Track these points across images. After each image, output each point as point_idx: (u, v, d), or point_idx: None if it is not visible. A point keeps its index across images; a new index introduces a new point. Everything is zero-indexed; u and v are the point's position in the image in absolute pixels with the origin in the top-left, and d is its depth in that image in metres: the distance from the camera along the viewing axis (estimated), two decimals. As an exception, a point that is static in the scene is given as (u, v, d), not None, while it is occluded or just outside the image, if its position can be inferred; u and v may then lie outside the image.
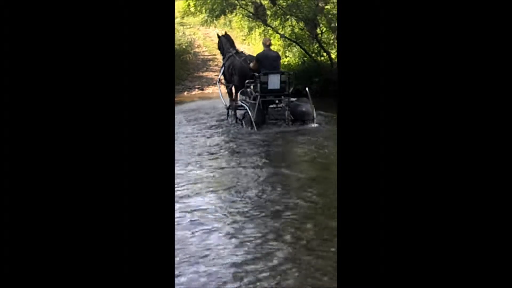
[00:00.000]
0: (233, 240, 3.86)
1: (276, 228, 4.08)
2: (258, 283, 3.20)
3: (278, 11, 11.89)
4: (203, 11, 13.05)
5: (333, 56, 11.65)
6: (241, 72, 8.69)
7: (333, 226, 3.96)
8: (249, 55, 9.14)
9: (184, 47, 15.31)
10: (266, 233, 3.97)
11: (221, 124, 8.61)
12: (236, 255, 3.59)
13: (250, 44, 14.46)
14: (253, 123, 7.79)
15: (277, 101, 8.17)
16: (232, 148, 7.05)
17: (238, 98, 8.74)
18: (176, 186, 4.66)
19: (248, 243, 3.77)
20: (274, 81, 8.02)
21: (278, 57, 8.59)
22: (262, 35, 12.54)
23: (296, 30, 12.32)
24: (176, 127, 5.59)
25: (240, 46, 10.89)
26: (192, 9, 17.94)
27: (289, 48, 13.07)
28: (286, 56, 13.14)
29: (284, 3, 11.74)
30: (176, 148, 5.57)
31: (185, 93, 13.09)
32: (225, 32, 10.25)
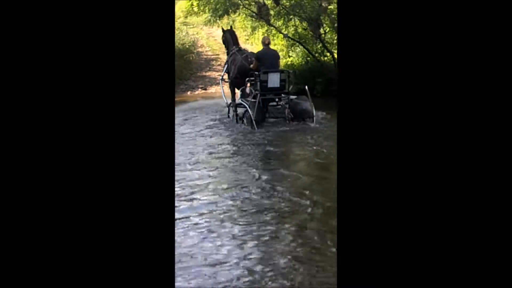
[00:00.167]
0: (231, 240, 3.85)
1: (276, 228, 4.07)
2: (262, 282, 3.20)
3: (282, 11, 11.87)
4: (206, 10, 13.06)
5: (336, 56, 11.62)
6: (240, 69, 8.82)
7: (333, 225, 3.98)
8: (251, 52, 9.21)
9: (187, 46, 15.31)
10: (266, 233, 3.97)
11: (222, 123, 8.65)
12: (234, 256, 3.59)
13: (253, 44, 14.44)
14: (253, 122, 7.82)
15: (277, 99, 8.21)
16: (232, 147, 7.06)
17: (239, 96, 8.78)
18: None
19: (247, 244, 3.77)
20: (274, 80, 8.12)
21: (277, 56, 8.69)
22: (265, 35, 12.53)
23: (300, 30, 12.31)
24: (176, 126, 5.59)
25: (243, 46, 10.87)
26: (196, 9, 17.97)
27: (292, 48, 13.06)
28: (289, 56, 13.13)
29: (288, 3, 11.73)
30: (175, 147, 5.57)
31: (188, 92, 13.10)
32: (231, 27, 10.30)
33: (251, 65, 8.49)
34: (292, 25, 12.29)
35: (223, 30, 10.12)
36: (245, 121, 8.18)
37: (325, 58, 12.22)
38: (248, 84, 8.25)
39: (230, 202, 4.71)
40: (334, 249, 3.51)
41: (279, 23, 12.36)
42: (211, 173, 5.70)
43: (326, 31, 11.85)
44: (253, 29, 13.92)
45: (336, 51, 11.63)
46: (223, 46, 10.58)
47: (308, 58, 12.48)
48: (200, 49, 16.32)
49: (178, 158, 5.94)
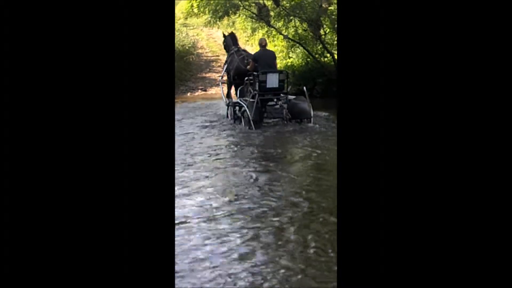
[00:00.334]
0: (228, 241, 3.84)
1: (275, 228, 4.07)
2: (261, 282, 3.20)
3: (282, 12, 11.90)
4: (207, 12, 13.11)
5: (336, 57, 11.64)
6: (236, 70, 9.01)
7: (333, 225, 3.97)
8: (248, 54, 9.32)
9: (187, 48, 15.33)
10: (264, 234, 3.97)
11: (220, 123, 8.69)
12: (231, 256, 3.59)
13: (254, 45, 14.45)
14: (251, 122, 7.86)
15: (275, 99, 8.27)
16: (229, 147, 7.07)
17: (237, 96, 8.85)
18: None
19: (244, 245, 3.77)
20: (272, 80, 8.22)
21: (274, 56, 8.83)
22: (266, 36, 12.56)
23: (300, 31, 12.33)
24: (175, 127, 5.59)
25: (244, 47, 10.91)
26: (196, 10, 18.01)
27: (292, 49, 13.08)
28: (289, 57, 13.15)
29: (288, 4, 11.75)
30: (174, 148, 5.57)
31: (188, 94, 13.11)
32: (232, 32, 10.40)
33: (248, 66, 8.63)
34: (292, 26, 12.31)
35: (224, 36, 10.24)
36: (243, 121, 8.23)
37: (325, 59, 12.24)
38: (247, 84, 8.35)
39: (227, 203, 4.70)
40: (332, 250, 3.51)
41: (279, 24, 12.39)
42: (208, 174, 5.70)
43: (326, 32, 11.87)
44: (253, 30, 13.94)
45: (336, 52, 11.66)
46: (223, 47, 10.66)
47: (308, 59, 12.49)
48: (200, 51, 16.34)
49: (176, 159, 5.93)
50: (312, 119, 8.20)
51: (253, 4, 12.02)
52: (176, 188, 4.86)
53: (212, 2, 12.44)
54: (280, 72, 8.48)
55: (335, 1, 11.03)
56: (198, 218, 4.31)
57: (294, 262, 3.47)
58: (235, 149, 6.97)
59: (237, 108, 8.53)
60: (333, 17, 11.20)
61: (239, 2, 12.00)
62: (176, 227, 3.99)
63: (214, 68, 14.94)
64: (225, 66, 9.72)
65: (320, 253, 3.58)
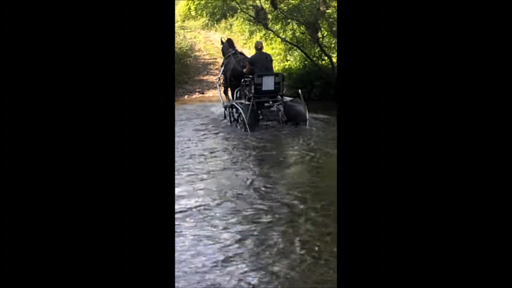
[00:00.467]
0: (224, 243, 3.84)
1: (270, 230, 4.07)
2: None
3: (279, 15, 11.91)
4: (204, 14, 13.11)
5: (334, 60, 11.65)
6: (232, 72, 9.08)
7: (331, 226, 3.97)
8: (246, 57, 9.36)
9: (184, 50, 15.31)
10: (262, 234, 3.97)
11: (217, 126, 8.70)
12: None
13: (251, 48, 14.45)
14: (246, 125, 7.88)
15: (271, 102, 8.31)
16: (225, 150, 7.08)
17: (234, 98, 8.87)
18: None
19: (241, 247, 3.77)
20: (268, 83, 8.29)
21: (270, 59, 8.88)
22: (263, 39, 12.57)
23: (297, 34, 12.34)
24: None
25: (241, 50, 10.93)
26: (193, 13, 18.00)
27: (290, 52, 13.09)
28: (287, 60, 13.16)
29: (285, 7, 11.77)
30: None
31: (186, 96, 13.10)
32: (228, 38, 10.49)
33: (244, 69, 8.67)
34: (290, 29, 12.32)
35: (222, 42, 10.36)
36: (239, 123, 8.26)
37: (323, 62, 12.25)
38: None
39: (222, 205, 4.70)
40: (331, 250, 3.51)
41: (277, 27, 12.40)
42: (204, 176, 5.70)
43: (324, 35, 11.88)
44: (251, 33, 13.95)
45: (334, 55, 11.68)
46: (220, 50, 10.71)
47: (306, 62, 12.50)
48: (197, 53, 16.33)
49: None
50: (307, 121, 8.23)
51: (251, 7, 12.04)
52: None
53: (209, 4, 12.46)
54: (276, 75, 8.55)
55: (333, 4, 11.06)
56: (193, 219, 4.31)
57: (284, 263, 3.47)
58: (231, 151, 6.97)
59: (234, 110, 8.55)
60: (331, 20, 11.23)
61: (237, 5, 12.01)
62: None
63: (211, 71, 14.93)
64: (222, 68, 9.77)
65: (310, 255, 3.59)
